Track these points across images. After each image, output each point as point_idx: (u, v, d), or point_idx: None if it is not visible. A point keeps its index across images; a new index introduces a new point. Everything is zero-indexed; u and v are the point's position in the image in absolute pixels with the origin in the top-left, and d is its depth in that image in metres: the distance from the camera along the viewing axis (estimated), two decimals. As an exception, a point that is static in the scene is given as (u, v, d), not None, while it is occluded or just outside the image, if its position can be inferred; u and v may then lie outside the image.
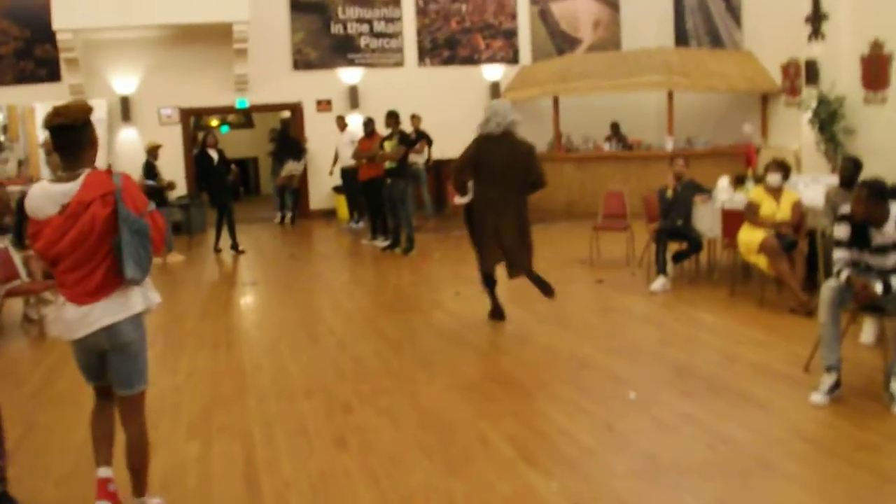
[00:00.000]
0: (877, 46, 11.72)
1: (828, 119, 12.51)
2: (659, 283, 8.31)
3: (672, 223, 8.61)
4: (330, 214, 16.15)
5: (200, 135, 14.65)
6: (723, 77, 14.89)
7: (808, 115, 12.74)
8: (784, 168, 7.70)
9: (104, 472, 3.59)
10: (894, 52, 11.51)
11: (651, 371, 5.65)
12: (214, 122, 22.59)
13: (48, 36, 14.13)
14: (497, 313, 7.23)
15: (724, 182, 9.14)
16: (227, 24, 14.32)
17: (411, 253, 10.97)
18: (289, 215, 15.58)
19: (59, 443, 4.63)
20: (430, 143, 13.45)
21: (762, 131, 15.19)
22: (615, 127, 16.06)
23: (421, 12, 16.74)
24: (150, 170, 11.44)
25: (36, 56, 14.72)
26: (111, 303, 3.35)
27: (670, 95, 14.73)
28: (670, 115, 14.75)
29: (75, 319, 3.34)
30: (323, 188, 16.01)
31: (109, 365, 3.45)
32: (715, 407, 4.83)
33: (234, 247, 11.97)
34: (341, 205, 16.05)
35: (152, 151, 11.66)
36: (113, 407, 3.62)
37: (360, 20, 16.33)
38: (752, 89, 14.95)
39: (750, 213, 7.68)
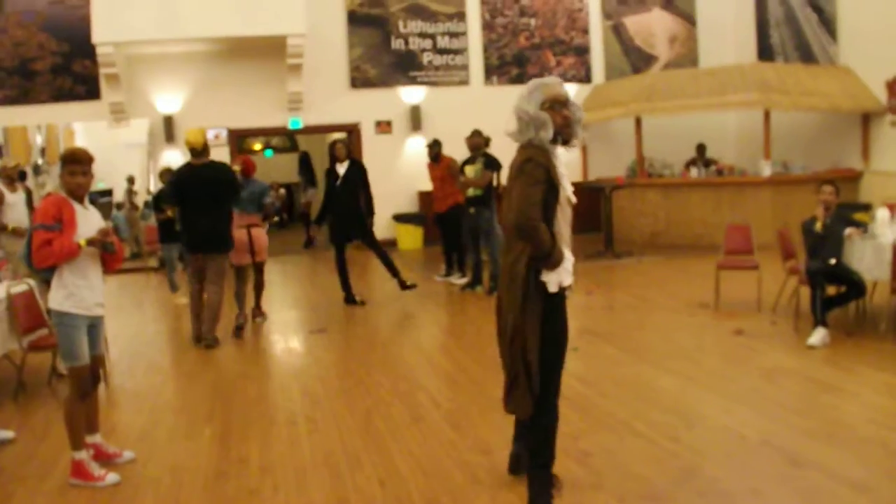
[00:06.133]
0: None
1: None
2: (819, 336, 6.80)
3: (823, 262, 7.12)
4: (389, 246, 14.77)
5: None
6: (823, 95, 13.43)
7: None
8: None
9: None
10: None
11: (888, 469, 4.15)
12: (258, 146, 21.46)
13: (88, 50, 13.05)
14: None
15: (883, 213, 7.66)
16: (280, 38, 13.13)
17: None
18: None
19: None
20: (499, 168, 11.83)
21: (863, 154, 13.70)
22: (701, 149, 14.61)
23: (487, 27, 15.44)
24: (158, 199, 9.93)
25: (74, 72, 13.63)
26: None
27: (767, 115, 13.28)
28: (766, 136, 13.30)
29: None
30: (382, 217, 14.61)
31: None
32: None
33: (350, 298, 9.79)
34: (401, 235, 14.72)
35: (163, 177, 10.31)
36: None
37: (422, 35, 15.06)
38: (854, 108, 13.46)
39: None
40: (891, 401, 5.35)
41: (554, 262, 3.56)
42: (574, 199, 3.72)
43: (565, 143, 3.68)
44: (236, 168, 8.53)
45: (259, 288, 8.93)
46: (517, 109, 3.63)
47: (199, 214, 7.67)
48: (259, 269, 8.79)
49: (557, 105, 3.60)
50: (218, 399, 6.02)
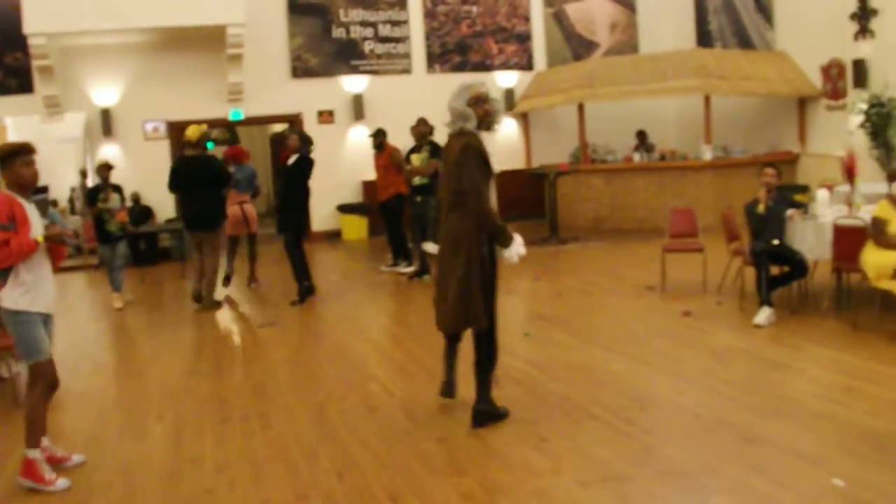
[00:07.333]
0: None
1: (881, 124, 11.46)
2: (764, 315, 6.94)
3: (767, 243, 7.24)
4: (334, 237, 14.68)
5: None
6: (761, 80, 13.67)
7: (858, 119, 11.65)
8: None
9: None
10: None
11: (838, 442, 4.24)
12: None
13: (19, 42, 12.60)
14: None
15: (823, 194, 7.82)
16: (220, 28, 12.88)
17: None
18: None
19: None
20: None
21: (800, 137, 13.98)
22: (642, 135, 14.77)
23: (429, 15, 15.37)
24: (92, 194, 9.69)
25: (5, 65, 13.18)
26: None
27: (707, 100, 13.46)
28: (707, 121, 13.49)
29: None
30: (326, 207, 14.50)
31: None
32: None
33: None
34: (346, 225, 14.61)
35: (100, 171, 9.82)
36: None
37: (363, 23, 14.94)
38: (790, 92, 13.72)
39: (877, 232, 6.40)
40: (836, 376, 5.47)
41: (505, 238, 4.57)
42: (496, 169, 4.70)
43: (487, 128, 4.72)
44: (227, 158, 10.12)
45: (253, 258, 10.40)
46: (449, 106, 4.66)
47: (191, 198, 9.00)
48: (252, 239, 10.30)
49: (480, 101, 4.64)
50: (167, 397, 5.91)
